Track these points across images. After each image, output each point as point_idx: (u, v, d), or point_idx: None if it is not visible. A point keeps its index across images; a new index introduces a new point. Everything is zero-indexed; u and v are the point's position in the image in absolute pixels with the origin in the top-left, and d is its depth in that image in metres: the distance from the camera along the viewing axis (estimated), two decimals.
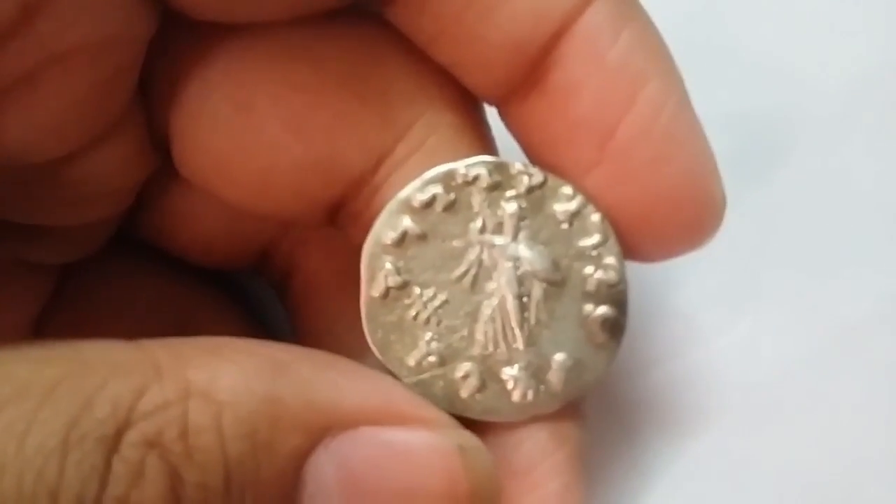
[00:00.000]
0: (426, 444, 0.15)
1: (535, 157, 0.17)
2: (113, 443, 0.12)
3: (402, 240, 0.17)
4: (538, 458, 0.17)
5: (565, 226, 0.17)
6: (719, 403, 0.23)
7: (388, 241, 0.17)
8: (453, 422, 0.16)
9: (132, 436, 0.13)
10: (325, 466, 0.14)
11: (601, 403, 0.22)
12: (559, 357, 0.17)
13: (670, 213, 0.16)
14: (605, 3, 0.16)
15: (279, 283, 0.22)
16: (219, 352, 0.14)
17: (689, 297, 0.23)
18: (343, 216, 0.18)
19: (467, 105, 0.18)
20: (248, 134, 0.17)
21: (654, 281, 0.23)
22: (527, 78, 0.16)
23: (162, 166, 0.19)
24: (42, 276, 0.20)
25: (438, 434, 0.15)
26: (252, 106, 0.17)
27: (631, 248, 0.17)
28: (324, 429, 0.14)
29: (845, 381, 0.23)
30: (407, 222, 0.17)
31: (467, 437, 0.16)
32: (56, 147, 0.17)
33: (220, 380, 0.13)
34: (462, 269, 0.17)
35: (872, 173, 0.23)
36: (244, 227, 0.20)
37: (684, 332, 0.23)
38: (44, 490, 0.12)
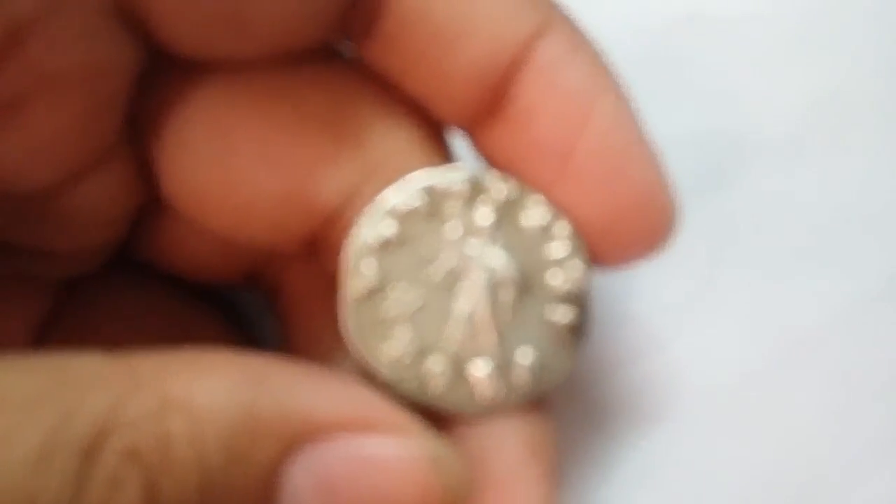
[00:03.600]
0: (401, 453, 0.15)
1: None
2: (91, 454, 0.13)
3: (382, 243, 0.18)
4: (512, 473, 0.18)
5: (537, 236, 0.18)
6: (677, 408, 0.24)
7: (368, 244, 0.18)
8: (425, 427, 0.16)
9: (110, 447, 0.13)
10: (301, 477, 0.14)
11: (561, 408, 0.23)
12: (526, 358, 0.18)
13: (629, 221, 0.18)
14: (557, 35, 0.17)
15: (269, 297, 0.23)
16: (198, 363, 0.14)
17: (647, 304, 0.24)
18: (320, 249, 0.19)
19: (436, 142, 0.19)
20: (227, 170, 0.18)
21: (614, 289, 0.24)
22: (491, 106, 0.18)
23: (154, 195, 0.19)
24: (41, 289, 0.20)
25: (412, 442, 0.15)
26: (232, 143, 0.18)
27: (596, 257, 0.18)
28: (300, 438, 0.14)
29: (801, 386, 0.24)
30: (387, 227, 0.18)
31: (440, 446, 0.16)
32: (46, 175, 0.17)
33: (199, 391, 0.14)
34: (438, 273, 0.18)
35: (823, 189, 0.25)
36: (234, 251, 0.21)
37: (643, 338, 0.24)
38: (22, 500, 0.12)
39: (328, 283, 0.20)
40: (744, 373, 0.24)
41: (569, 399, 0.24)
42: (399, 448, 0.15)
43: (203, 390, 0.14)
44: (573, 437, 0.24)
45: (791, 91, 0.25)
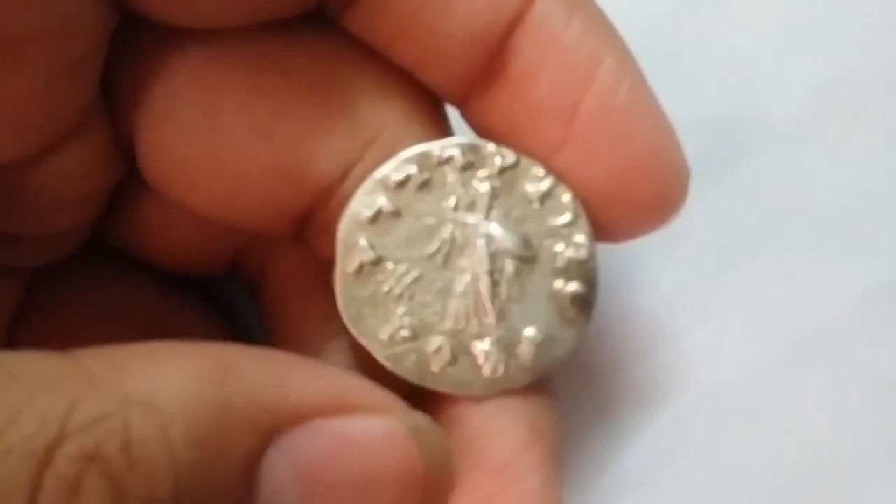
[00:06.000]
0: (380, 429, 0.14)
1: None
2: (44, 458, 0.12)
3: (377, 217, 0.17)
4: (516, 452, 0.17)
5: (537, 205, 0.17)
6: (686, 404, 0.23)
7: (363, 218, 0.17)
8: (403, 404, 0.16)
9: (67, 450, 0.12)
10: (279, 466, 0.13)
11: (570, 402, 0.22)
12: (530, 332, 0.17)
13: (638, 183, 0.17)
14: None
15: (252, 287, 0.22)
16: (158, 357, 0.13)
17: (655, 299, 0.24)
18: (311, 228, 0.18)
19: (432, 112, 0.18)
20: (215, 140, 0.17)
21: (620, 283, 0.24)
22: (488, 69, 0.17)
23: (130, 173, 0.18)
24: (13, 279, 0.19)
25: (391, 418, 0.15)
26: (219, 112, 0.17)
27: (602, 226, 0.17)
28: (276, 427, 0.14)
29: (811, 382, 0.23)
30: (382, 200, 0.17)
31: (419, 418, 0.15)
32: (13, 148, 0.16)
33: (161, 387, 0.13)
34: (435, 245, 0.17)
35: (833, 177, 0.24)
36: (216, 236, 0.20)
37: (652, 333, 0.24)
38: None
39: (316, 268, 0.19)
40: (754, 368, 0.23)
41: (578, 394, 0.23)
42: (378, 426, 0.14)
43: (166, 385, 0.13)
44: (582, 432, 0.23)
45: (801, 72, 0.24)
